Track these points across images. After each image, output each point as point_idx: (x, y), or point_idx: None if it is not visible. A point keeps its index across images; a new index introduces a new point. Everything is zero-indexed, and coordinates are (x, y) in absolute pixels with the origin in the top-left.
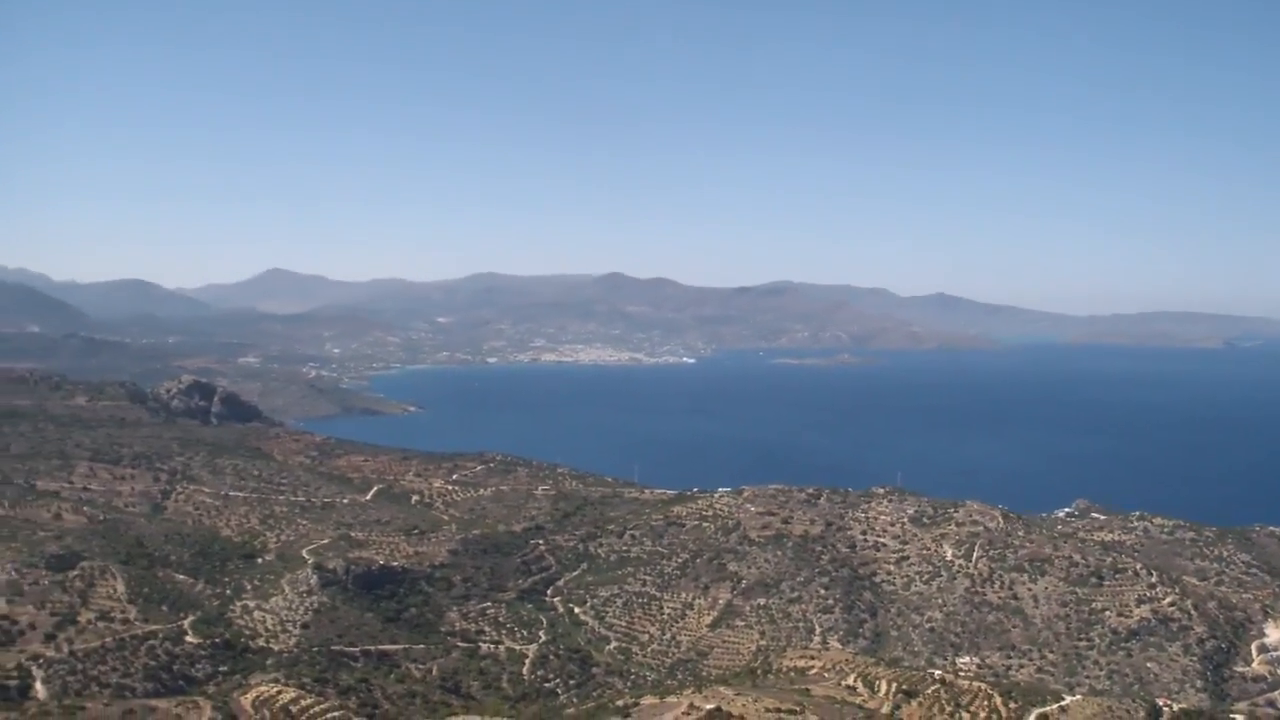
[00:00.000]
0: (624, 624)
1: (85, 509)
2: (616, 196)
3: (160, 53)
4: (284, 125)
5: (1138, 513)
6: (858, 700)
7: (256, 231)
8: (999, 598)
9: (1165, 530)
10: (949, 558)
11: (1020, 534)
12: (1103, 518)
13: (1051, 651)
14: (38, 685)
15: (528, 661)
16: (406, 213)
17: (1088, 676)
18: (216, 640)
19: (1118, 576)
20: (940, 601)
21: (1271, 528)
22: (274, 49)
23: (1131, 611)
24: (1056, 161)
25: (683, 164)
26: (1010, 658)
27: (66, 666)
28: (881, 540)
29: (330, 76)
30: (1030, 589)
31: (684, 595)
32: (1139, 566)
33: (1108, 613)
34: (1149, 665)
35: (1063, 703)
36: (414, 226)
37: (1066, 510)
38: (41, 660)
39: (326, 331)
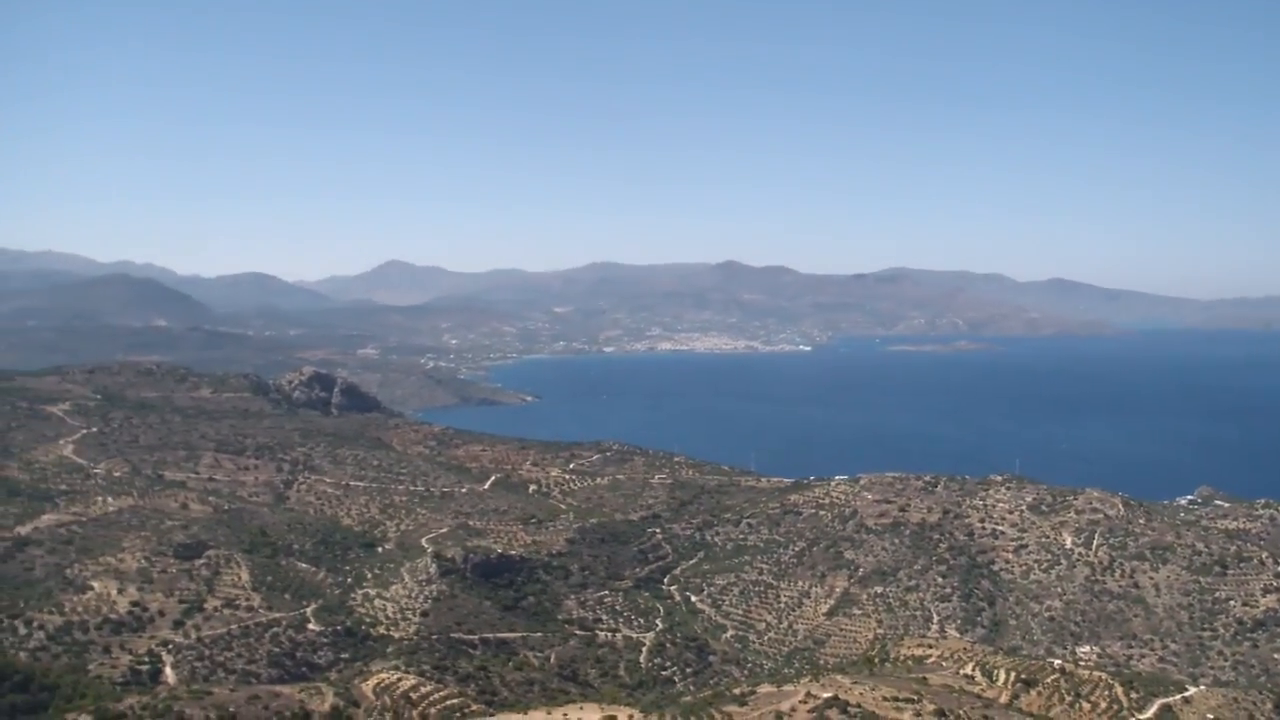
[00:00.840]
0: (741, 612)
1: (211, 499)
2: (733, 185)
3: (276, 54)
4: (402, 122)
5: (1263, 500)
6: (976, 689)
7: (375, 224)
8: (1120, 586)
9: None
10: (1068, 546)
11: (1141, 522)
12: (1227, 505)
13: (1174, 641)
14: (167, 670)
15: (645, 650)
16: (524, 204)
17: (1212, 667)
18: (338, 628)
19: (1243, 565)
20: (1059, 590)
21: None
22: (392, 51)
23: (1258, 601)
24: (1176, 141)
25: (798, 151)
26: (1131, 647)
27: (194, 652)
28: (1000, 528)
29: (449, 76)
30: (1152, 578)
31: (801, 583)
32: (1265, 555)
33: (1232, 602)
34: (1277, 656)
35: (1186, 693)
36: (531, 217)
37: (1189, 498)
38: (171, 646)
39: (444, 322)
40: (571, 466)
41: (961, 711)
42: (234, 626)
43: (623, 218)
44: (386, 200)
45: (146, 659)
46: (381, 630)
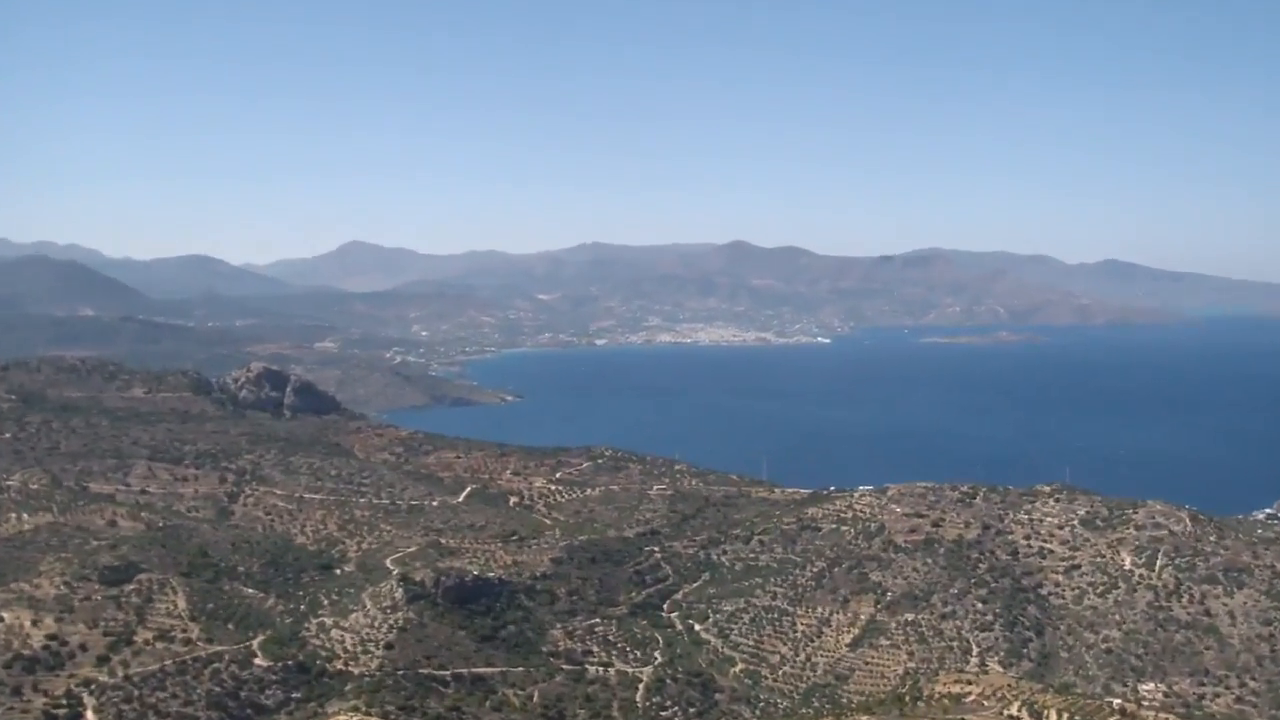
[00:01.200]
0: (751, 643)
1: (143, 514)
2: (741, 156)
3: (215, 16)
4: (367, 88)
5: None
6: None
7: (335, 200)
8: (1188, 614)
9: None
10: (1128, 567)
11: (1212, 539)
12: None
13: (1253, 678)
14: (89, 714)
15: (641, 686)
16: (505, 178)
17: None
18: (289, 662)
19: None
20: (1118, 618)
21: None
22: (352, 10)
23: None
24: (1245, 108)
25: (815, 120)
26: (1203, 685)
27: (121, 693)
28: (1048, 546)
29: (417, 38)
30: (1226, 604)
31: (820, 610)
32: None
33: None
34: None
35: None
36: (514, 193)
37: (1267, 511)
38: (94, 686)
39: (414, 311)
40: (558, 476)
41: None
42: (168, 662)
43: (617, 193)
44: (349, 174)
45: (65, 702)
46: (339, 665)
